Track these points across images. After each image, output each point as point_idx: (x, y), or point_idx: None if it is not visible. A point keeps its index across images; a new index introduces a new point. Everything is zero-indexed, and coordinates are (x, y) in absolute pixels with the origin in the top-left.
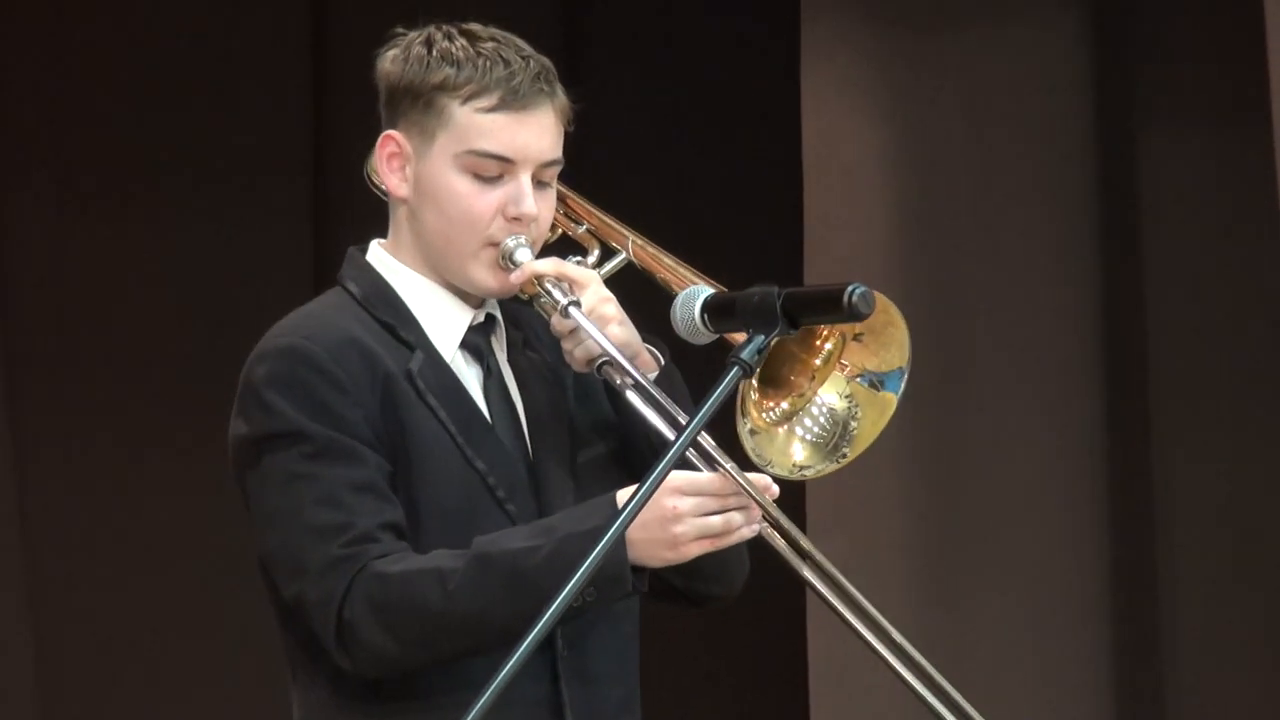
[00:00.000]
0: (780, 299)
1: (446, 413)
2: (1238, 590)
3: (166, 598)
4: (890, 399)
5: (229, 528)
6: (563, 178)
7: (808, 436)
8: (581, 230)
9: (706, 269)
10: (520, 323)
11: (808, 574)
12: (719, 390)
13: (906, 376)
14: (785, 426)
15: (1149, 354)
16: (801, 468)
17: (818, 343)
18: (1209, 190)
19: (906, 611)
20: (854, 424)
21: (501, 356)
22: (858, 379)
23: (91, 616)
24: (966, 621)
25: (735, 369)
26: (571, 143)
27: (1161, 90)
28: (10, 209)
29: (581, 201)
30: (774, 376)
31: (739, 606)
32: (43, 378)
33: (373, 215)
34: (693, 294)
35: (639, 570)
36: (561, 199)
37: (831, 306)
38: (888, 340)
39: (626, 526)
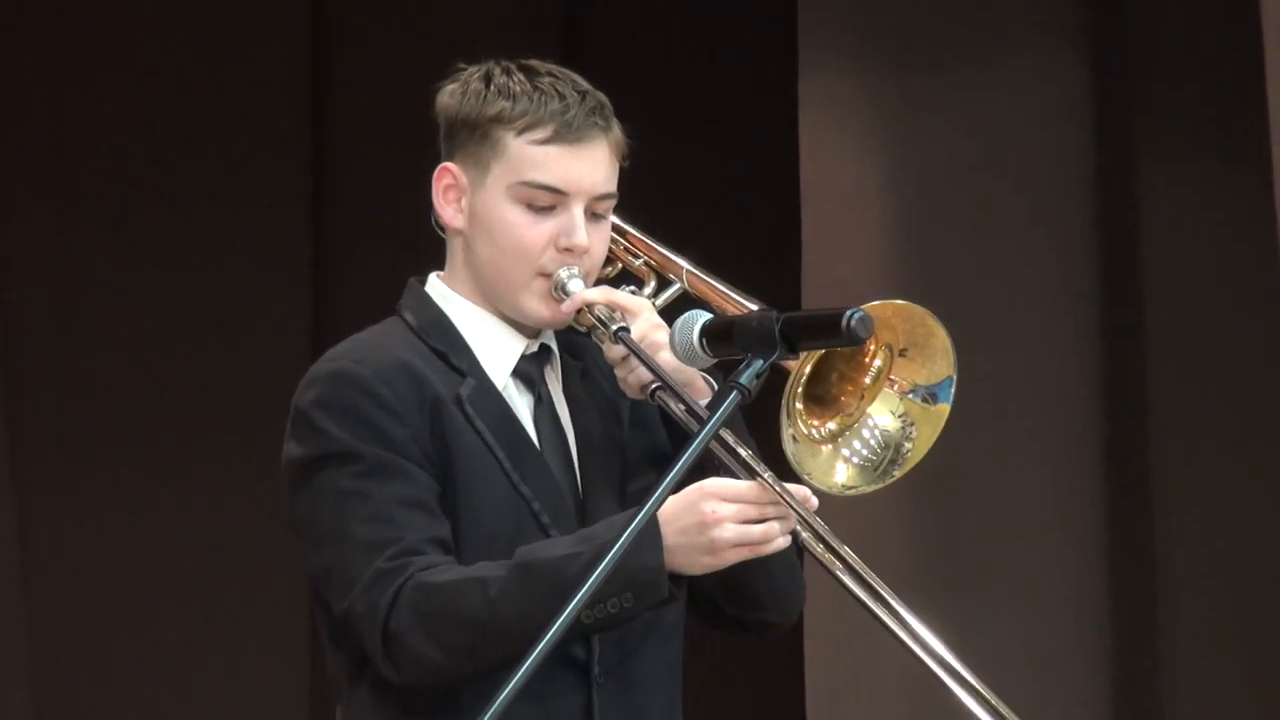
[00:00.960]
0: (779, 323)
1: (495, 438)
2: (1236, 607)
3: (164, 608)
4: (944, 410)
5: (229, 538)
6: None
7: (855, 459)
8: (639, 263)
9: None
10: (580, 353)
11: (851, 585)
12: (719, 415)
13: (955, 381)
14: (831, 446)
15: (1148, 379)
16: (845, 488)
17: (866, 359)
18: (1208, 221)
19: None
20: (908, 445)
21: (555, 386)
22: (910, 395)
23: (90, 626)
24: (965, 641)
25: (734, 393)
26: None
27: (1160, 122)
28: (11, 231)
29: (639, 235)
30: (822, 395)
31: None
32: (43, 395)
33: (372, 234)
34: (691, 318)
35: (677, 578)
36: (620, 233)
37: (830, 331)
38: (931, 351)
39: (640, 526)
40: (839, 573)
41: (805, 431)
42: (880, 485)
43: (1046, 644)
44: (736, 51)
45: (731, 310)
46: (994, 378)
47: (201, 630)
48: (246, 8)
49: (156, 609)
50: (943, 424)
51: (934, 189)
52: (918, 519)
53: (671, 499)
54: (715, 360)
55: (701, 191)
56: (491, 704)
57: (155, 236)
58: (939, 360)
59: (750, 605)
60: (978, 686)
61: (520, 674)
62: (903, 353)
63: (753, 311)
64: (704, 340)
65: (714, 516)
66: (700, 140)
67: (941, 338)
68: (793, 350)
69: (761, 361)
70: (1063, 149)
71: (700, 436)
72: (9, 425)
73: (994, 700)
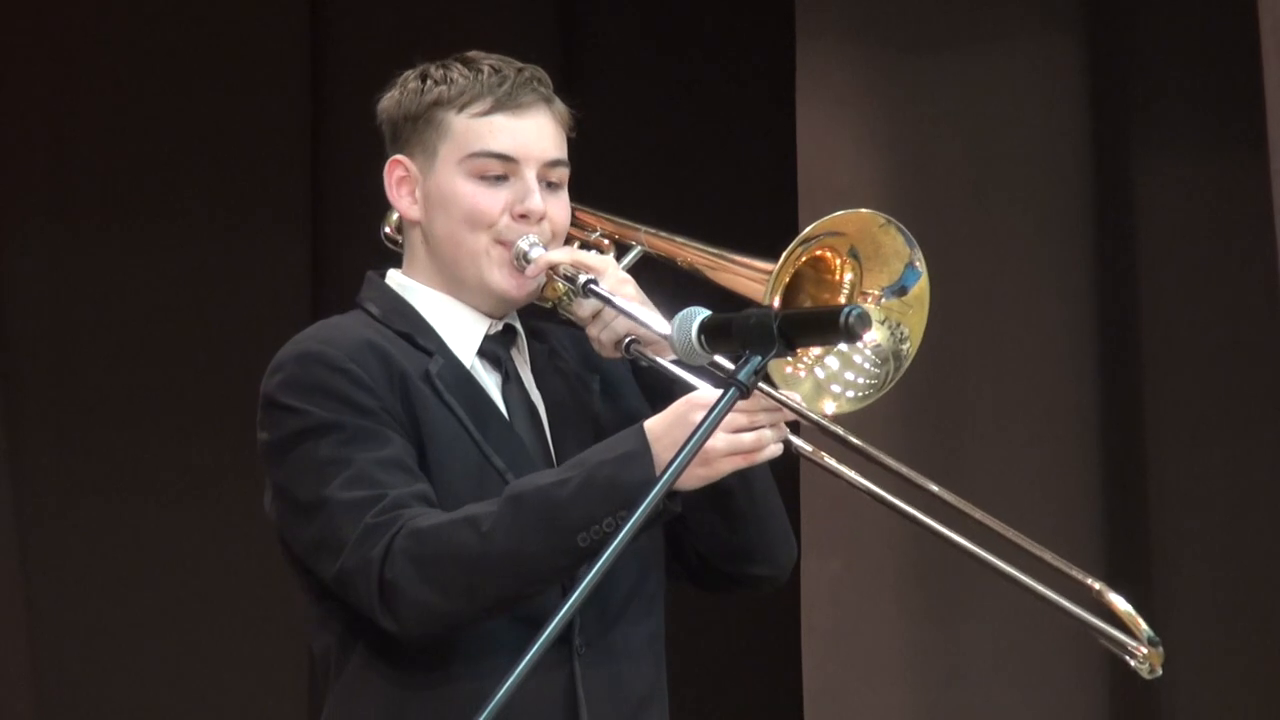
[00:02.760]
0: (777, 320)
1: (465, 412)
2: (1236, 607)
3: (165, 607)
4: (922, 289)
5: (229, 538)
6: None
7: (849, 393)
8: (594, 237)
9: (700, 292)
10: (543, 336)
11: (854, 477)
12: (716, 412)
13: (920, 259)
14: (814, 376)
15: (1144, 374)
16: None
17: (834, 277)
18: (1205, 210)
19: (903, 632)
20: (905, 345)
21: (523, 364)
22: (882, 300)
23: (89, 627)
24: (961, 641)
25: (732, 390)
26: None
27: (1157, 114)
28: (11, 234)
29: (588, 211)
30: None
31: (735, 628)
32: (43, 396)
33: (371, 233)
34: (689, 315)
35: (672, 493)
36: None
37: (828, 328)
38: (886, 254)
39: (690, 459)
40: (831, 463)
41: (796, 371)
42: (891, 387)
43: (1042, 648)
44: (734, 41)
45: (699, 260)
46: (989, 370)
47: (202, 629)
48: (246, 11)
49: (157, 608)
50: (928, 300)
51: (930, 177)
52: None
53: (658, 416)
54: (714, 357)
55: (698, 181)
56: (517, 666)
57: (155, 239)
58: (894, 261)
59: (744, 559)
60: (1017, 541)
61: (548, 632)
62: (858, 260)
63: (751, 309)
64: (702, 336)
65: None
66: (697, 130)
67: (892, 239)
68: (790, 346)
69: (760, 358)
70: (1060, 137)
71: (700, 431)
72: (9, 425)
73: (1038, 552)
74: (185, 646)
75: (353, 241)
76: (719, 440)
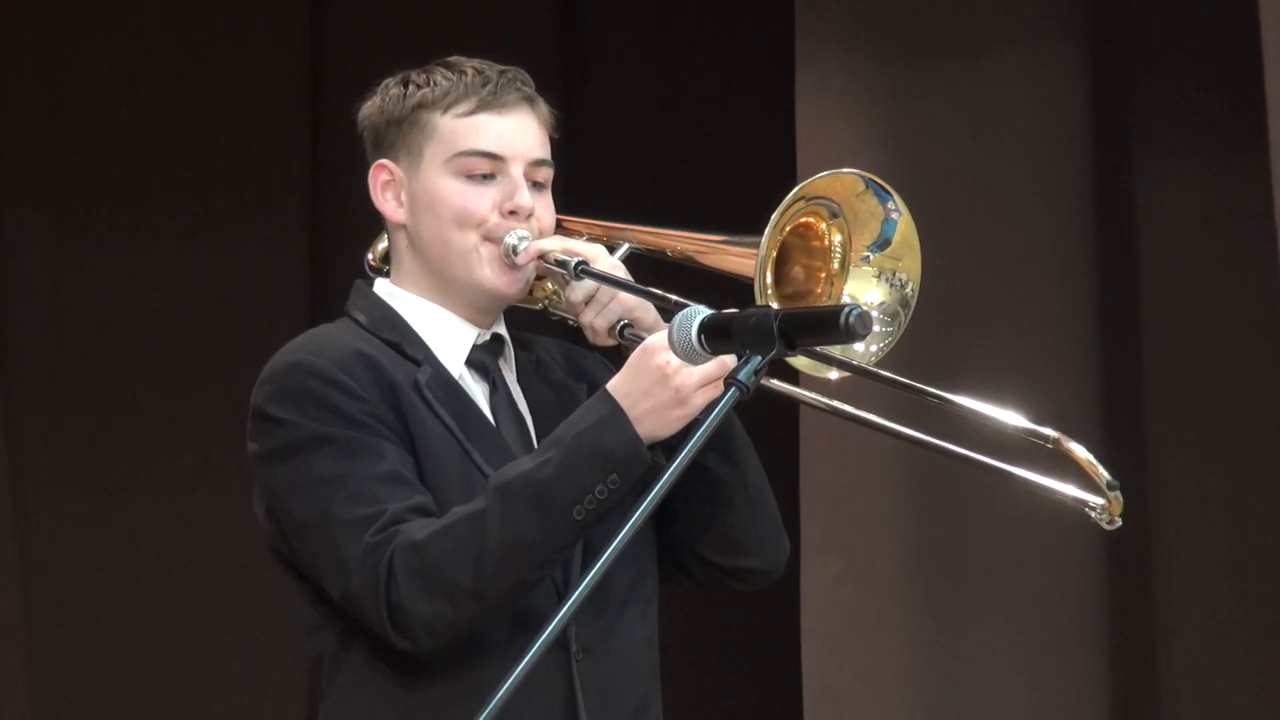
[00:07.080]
0: (777, 320)
1: (454, 421)
2: (1236, 607)
3: (165, 606)
4: (905, 233)
5: (229, 535)
6: (558, 207)
7: (869, 359)
8: (584, 240)
9: (699, 294)
10: (530, 347)
11: (828, 402)
12: (716, 412)
13: (896, 206)
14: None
15: (1145, 377)
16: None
17: (823, 243)
18: (1205, 212)
19: (903, 632)
20: (909, 288)
21: (510, 375)
22: (870, 258)
23: (86, 627)
24: (963, 641)
25: (732, 391)
26: (566, 170)
27: (1159, 116)
28: (10, 227)
29: (573, 218)
30: (792, 295)
31: (735, 629)
32: (39, 393)
33: (370, 235)
34: (689, 315)
35: (652, 446)
36: (556, 222)
37: (828, 327)
38: (864, 217)
39: (603, 412)
40: (804, 394)
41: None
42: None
43: (1044, 648)
44: (733, 42)
45: (692, 248)
46: (990, 372)
47: (202, 629)
48: (246, 11)
49: (155, 608)
50: (916, 237)
51: (931, 180)
52: (915, 515)
53: (619, 374)
54: (713, 357)
55: (697, 182)
56: (513, 672)
57: (154, 240)
58: (871, 222)
59: (738, 551)
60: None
61: (545, 636)
62: (841, 221)
63: (751, 309)
64: (702, 337)
65: (671, 367)
66: (697, 130)
67: (865, 205)
68: (791, 346)
69: (760, 358)
70: (1060, 139)
71: (699, 433)
72: (7, 426)
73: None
74: (184, 646)
75: (352, 244)
76: (690, 376)
